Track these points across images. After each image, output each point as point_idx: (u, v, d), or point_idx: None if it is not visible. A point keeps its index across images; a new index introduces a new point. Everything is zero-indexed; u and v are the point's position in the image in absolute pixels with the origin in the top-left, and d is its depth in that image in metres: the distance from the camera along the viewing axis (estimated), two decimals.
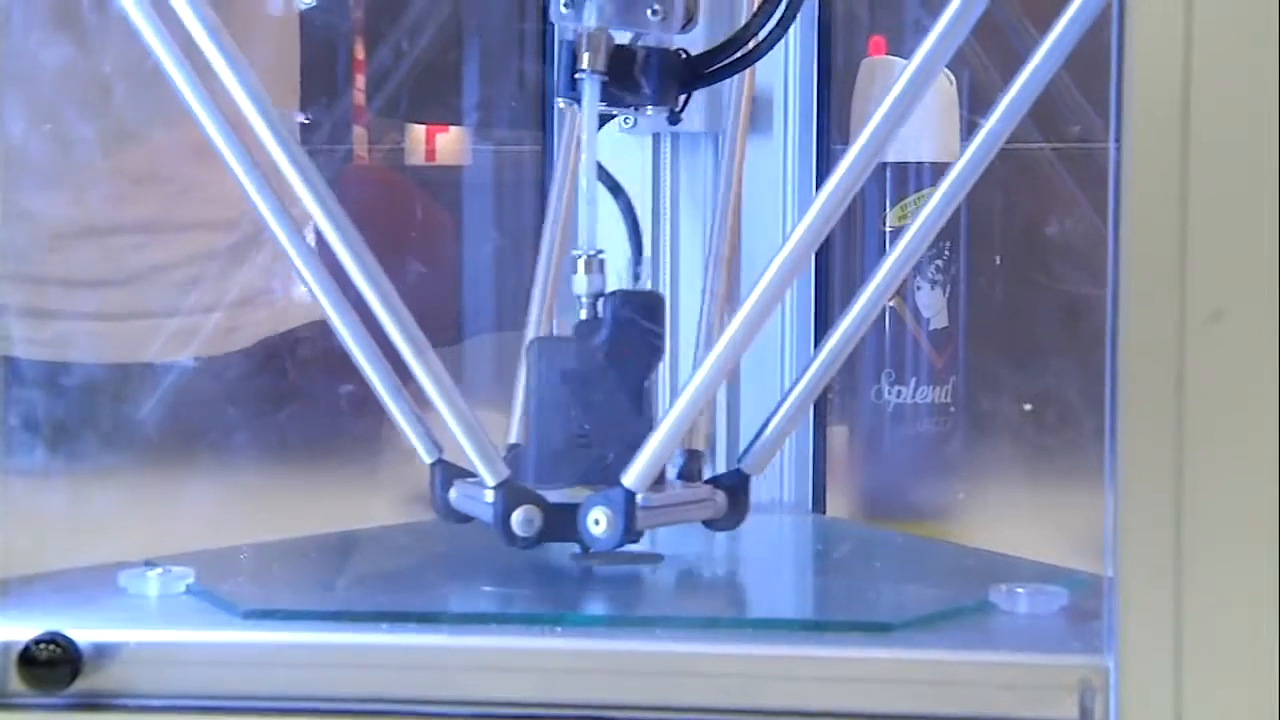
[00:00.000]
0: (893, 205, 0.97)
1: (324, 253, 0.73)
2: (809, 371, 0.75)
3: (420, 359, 0.73)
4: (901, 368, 0.97)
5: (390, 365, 0.75)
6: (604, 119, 0.87)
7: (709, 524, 0.76)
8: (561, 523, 0.73)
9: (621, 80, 0.79)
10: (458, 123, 1.20)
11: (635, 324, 0.76)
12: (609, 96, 0.79)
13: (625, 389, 0.76)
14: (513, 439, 0.84)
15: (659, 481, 0.74)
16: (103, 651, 0.65)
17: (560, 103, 0.81)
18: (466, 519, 0.77)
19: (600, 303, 0.77)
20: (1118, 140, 0.61)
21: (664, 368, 0.94)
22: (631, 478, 0.73)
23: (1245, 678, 0.60)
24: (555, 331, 0.87)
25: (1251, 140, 0.60)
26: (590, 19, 0.78)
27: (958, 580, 0.77)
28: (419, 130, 1.23)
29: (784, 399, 0.75)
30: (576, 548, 0.74)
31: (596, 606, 0.73)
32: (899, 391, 0.97)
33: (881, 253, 0.97)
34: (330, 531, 0.86)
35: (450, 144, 1.23)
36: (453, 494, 0.77)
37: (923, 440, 0.98)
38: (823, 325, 0.97)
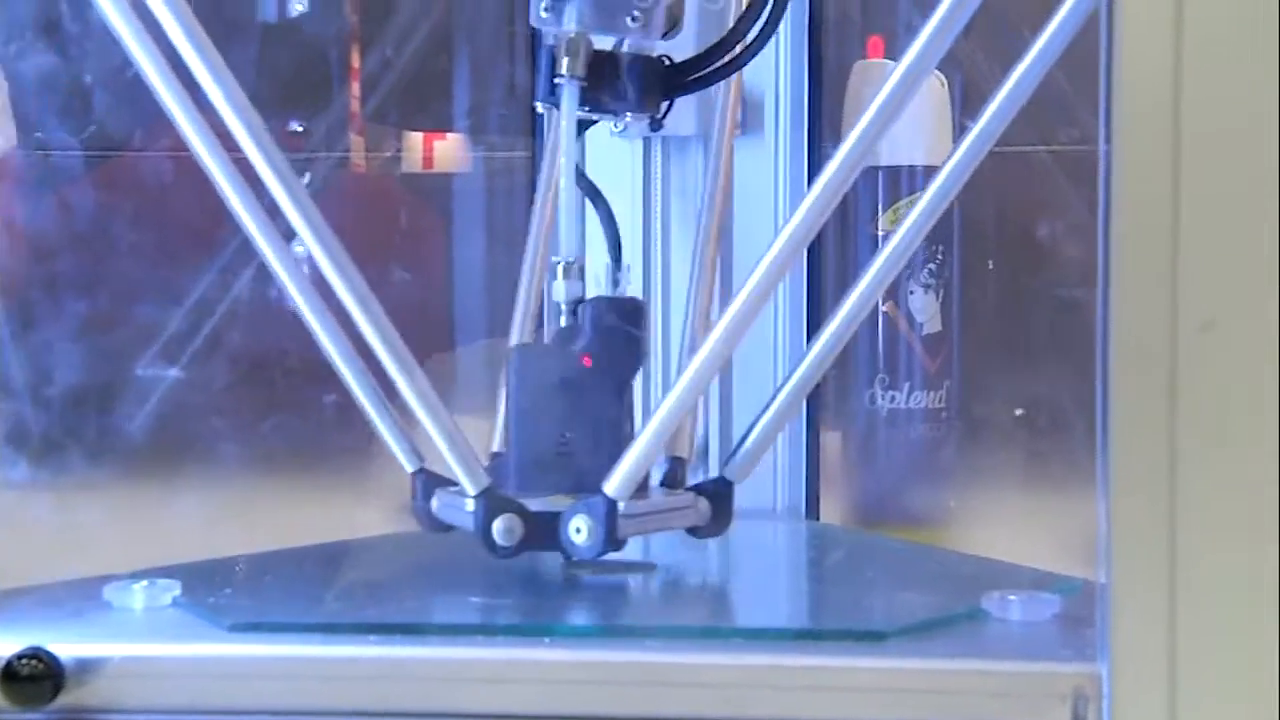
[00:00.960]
0: (885, 209, 0.97)
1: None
2: (792, 379, 0.74)
3: (403, 369, 0.72)
4: (895, 373, 0.97)
5: (373, 375, 0.74)
6: (585, 124, 0.86)
7: (692, 532, 0.76)
8: (543, 531, 0.73)
9: (602, 86, 0.78)
10: (448, 129, 1.20)
11: (615, 330, 0.76)
12: (590, 102, 0.79)
13: (605, 396, 0.76)
14: (496, 447, 0.83)
15: (642, 489, 0.73)
16: (86, 666, 0.65)
17: (539, 107, 0.81)
18: (448, 528, 0.76)
19: (579, 309, 0.77)
20: (1108, 144, 0.60)
21: (657, 373, 0.94)
22: (613, 486, 0.72)
23: (1238, 685, 0.59)
24: (542, 338, 0.86)
25: (1245, 145, 0.59)
26: (570, 24, 0.77)
27: (951, 587, 0.76)
28: (415, 138, 1.22)
29: (767, 406, 0.75)
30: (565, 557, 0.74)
31: (587, 616, 0.72)
32: (892, 396, 0.96)
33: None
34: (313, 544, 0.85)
35: (447, 151, 1.22)
36: (434, 503, 0.76)
37: (916, 445, 0.97)
38: (815, 331, 0.96)
